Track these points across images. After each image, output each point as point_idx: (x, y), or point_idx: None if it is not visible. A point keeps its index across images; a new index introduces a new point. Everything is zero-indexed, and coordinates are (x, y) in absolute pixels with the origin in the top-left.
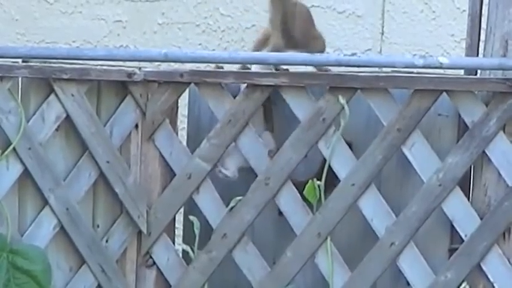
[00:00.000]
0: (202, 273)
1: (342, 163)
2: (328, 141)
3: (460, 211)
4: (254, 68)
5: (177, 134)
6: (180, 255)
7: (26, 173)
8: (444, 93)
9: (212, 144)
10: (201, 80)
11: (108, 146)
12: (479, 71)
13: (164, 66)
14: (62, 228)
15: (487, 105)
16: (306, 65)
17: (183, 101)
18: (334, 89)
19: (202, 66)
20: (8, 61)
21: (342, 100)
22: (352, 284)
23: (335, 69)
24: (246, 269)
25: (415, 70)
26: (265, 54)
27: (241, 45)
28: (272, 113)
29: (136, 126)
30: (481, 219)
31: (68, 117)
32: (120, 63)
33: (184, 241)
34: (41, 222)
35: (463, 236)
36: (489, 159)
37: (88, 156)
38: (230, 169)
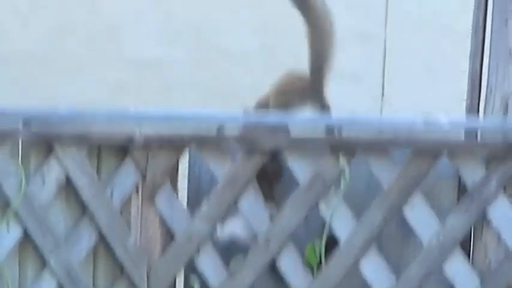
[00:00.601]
0: None
1: (343, 224)
2: (328, 202)
3: (460, 273)
4: None
5: (177, 195)
6: None
7: (27, 235)
8: (444, 155)
9: (213, 205)
10: (202, 142)
11: (108, 208)
12: (479, 132)
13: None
14: None
15: (487, 166)
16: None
17: (184, 161)
18: (335, 150)
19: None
20: (8, 122)
21: (343, 161)
22: None
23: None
24: None
25: (415, 131)
26: (267, 116)
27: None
28: (272, 182)
29: (137, 188)
30: (482, 281)
31: (68, 180)
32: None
33: None
34: (41, 284)
35: None
36: (489, 221)
37: (88, 218)
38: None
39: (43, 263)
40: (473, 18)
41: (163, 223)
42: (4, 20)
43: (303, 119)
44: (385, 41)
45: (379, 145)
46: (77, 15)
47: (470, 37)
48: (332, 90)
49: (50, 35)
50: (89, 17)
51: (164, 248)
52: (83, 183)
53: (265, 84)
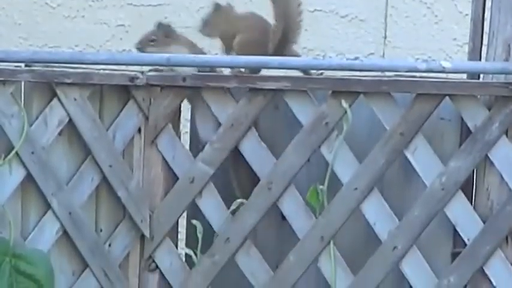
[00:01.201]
0: (205, 277)
1: (345, 167)
2: (330, 145)
3: (462, 215)
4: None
5: (180, 138)
6: (183, 259)
7: (29, 178)
8: (447, 98)
9: (215, 149)
10: (204, 84)
11: (110, 151)
12: (481, 76)
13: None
14: (65, 232)
15: (489, 110)
16: (308, 69)
17: (186, 105)
18: (336, 93)
19: None
20: (10, 65)
21: (345, 104)
22: None
23: (338, 74)
24: (249, 273)
25: (417, 74)
26: (267, 58)
27: None
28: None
29: (139, 130)
30: (484, 223)
31: (70, 122)
32: (123, 67)
33: (187, 245)
34: (44, 226)
35: (465, 240)
36: (492, 163)
37: (91, 160)
38: None
39: (45, 205)
40: None
41: (165, 166)
42: None
43: (304, 62)
44: None
45: (382, 88)
46: None
47: None
48: (335, 34)
49: None
50: None
51: (167, 191)
52: (85, 125)
53: None
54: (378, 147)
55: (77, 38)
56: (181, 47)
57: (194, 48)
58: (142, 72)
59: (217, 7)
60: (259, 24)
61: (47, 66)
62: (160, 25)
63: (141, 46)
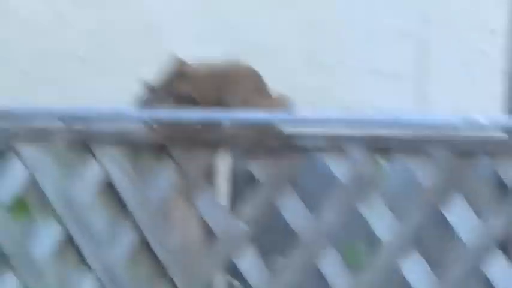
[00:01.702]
0: None
1: (382, 224)
2: (367, 202)
3: (501, 273)
4: None
5: (217, 195)
6: None
7: (67, 236)
8: (485, 154)
9: (253, 206)
10: (242, 141)
11: (148, 208)
12: None
13: None
14: None
15: None
16: (346, 125)
17: (225, 161)
18: (373, 150)
19: None
20: (48, 123)
21: (382, 161)
22: None
23: (375, 130)
24: None
25: (455, 131)
26: (304, 114)
27: None
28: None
29: (176, 187)
30: None
31: (108, 179)
32: None
33: None
34: (82, 284)
35: None
36: None
37: (128, 218)
38: None
39: (84, 263)
40: (509, 17)
41: (203, 223)
42: (44, 19)
43: (339, 118)
44: (424, 39)
45: (419, 145)
46: (116, 14)
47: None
48: (372, 89)
49: (89, 34)
50: (128, 16)
51: (204, 247)
52: (123, 182)
53: (304, 83)
54: (415, 204)
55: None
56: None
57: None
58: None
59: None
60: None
61: (85, 124)
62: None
63: (139, 106)
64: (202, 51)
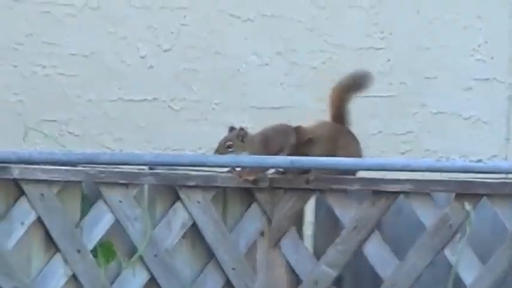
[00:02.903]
0: None
1: (468, 269)
2: (454, 247)
3: None
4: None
5: (303, 240)
6: None
7: (152, 281)
8: None
9: (338, 251)
10: (327, 187)
11: (234, 253)
12: None
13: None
14: None
15: None
16: (431, 171)
17: (309, 207)
18: (460, 196)
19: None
20: (134, 168)
21: (468, 206)
22: None
23: (461, 176)
24: None
25: None
26: (391, 160)
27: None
28: None
29: (262, 233)
30: None
31: (194, 224)
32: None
33: None
34: None
35: None
36: None
37: (214, 263)
38: None
39: None
40: None
41: (289, 268)
42: (130, 66)
43: (427, 164)
44: (509, 86)
45: (505, 190)
46: (201, 62)
47: None
48: (458, 135)
49: (175, 81)
50: (213, 63)
51: None
52: (209, 227)
53: (393, 131)
54: (501, 250)
55: (200, 140)
56: (255, 149)
57: (266, 149)
58: (264, 175)
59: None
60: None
61: (170, 169)
62: (233, 129)
63: (220, 153)
64: (289, 99)
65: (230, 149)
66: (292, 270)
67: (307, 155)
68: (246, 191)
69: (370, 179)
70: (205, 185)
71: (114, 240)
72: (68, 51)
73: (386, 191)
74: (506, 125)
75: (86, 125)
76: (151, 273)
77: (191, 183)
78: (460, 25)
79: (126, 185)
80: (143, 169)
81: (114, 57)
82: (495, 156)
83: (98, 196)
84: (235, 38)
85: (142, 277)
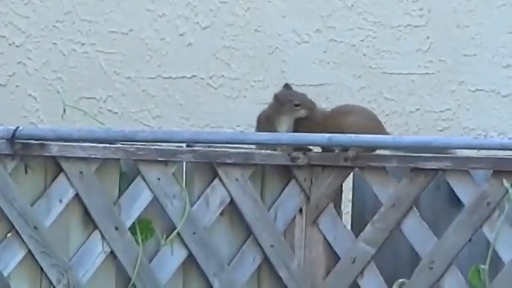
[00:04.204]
0: None
1: (507, 247)
2: (492, 225)
3: None
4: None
5: (341, 218)
6: None
7: (190, 258)
8: None
9: (376, 228)
10: (365, 164)
11: (272, 230)
12: None
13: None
14: None
15: None
16: (469, 148)
17: (347, 184)
18: (498, 173)
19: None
20: (172, 145)
21: (506, 184)
22: None
23: (499, 153)
24: None
25: None
26: (430, 138)
27: (405, 129)
28: None
29: (301, 210)
30: None
31: (232, 202)
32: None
33: None
34: None
35: None
36: None
37: (252, 240)
38: None
39: (207, 285)
40: None
41: (327, 246)
42: (169, 44)
43: (465, 141)
44: None
45: None
46: (240, 39)
47: None
48: (497, 113)
49: (214, 59)
50: (252, 40)
51: (328, 270)
52: (247, 205)
53: (431, 108)
54: None
55: (239, 118)
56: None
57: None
58: (304, 152)
59: None
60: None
61: (209, 147)
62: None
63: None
64: (327, 77)
65: (297, 107)
66: (330, 248)
67: None
68: (284, 168)
69: (408, 156)
70: (243, 163)
71: (152, 217)
72: (106, 29)
73: (424, 168)
74: None
75: (124, 102)
76: (189, 251)
77: (229, 161)
78: (499, 3)
79: (164, 163)
80: (181, 146)
81: (153, 34)
82: None
83: (136, 173)
84: (274, 15)
85: (181, 255)
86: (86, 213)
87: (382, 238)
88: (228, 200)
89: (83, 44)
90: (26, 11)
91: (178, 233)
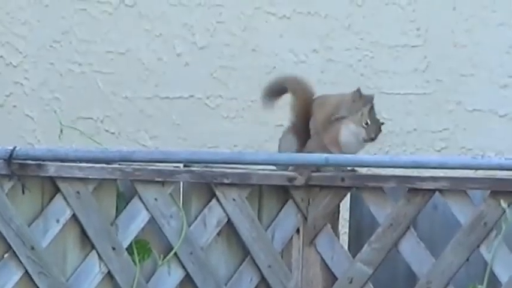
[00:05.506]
0: None
1: (504, 267)
2: (489, 245)
3: None
4: None
5: (338, 238)
6: None
7: (188, 278)
8: None
9: (374, 249)
10: (363, 184)
11: (269, 251)
12: None
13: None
14: None
15: None
16: (467, 168)
17: (345, 204)
18: (495, 193)
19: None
20: (169, 166)
21: (504, 204)
22: None
23: (497, 173)
24: None
25: None
26: (426, 158)
27: (402, 149)
28: None
29: (298, 230)
30: None
31: (229, 222)
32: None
33: None
34: None
35: None
36: None
37: (249, 260)
38: None
39: None
40: None
41: (324, 266)
42: (166, 64)
43: (461, 161)
44: None
45: None
46: (237, 59)
47: None
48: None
49: (211, 79)
50: (249, 60)
51: None
52: (244, 225)
53: (428, 128)
54: None
55: (236, 138)
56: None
57: None
58: (301, 173)
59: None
60: None
61: (206, 167)
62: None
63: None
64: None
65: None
66: (327, 268)
67: None
68: (281, 189)
69: (405, 176)
70: (240, 183)
71: (149, 237)
72: (104, 49)
73: (422, 189)
74: None
75: (121, 122)
76: (186, 271)
77: (227, 181)
78: (496, 22)
79: (161, 183)
80: (178, 166)
81: (150, 54)
82: None
83: (134, 194)
84: (271, 35)
85: (178, 274)
86: (83, 233)
87: (380, 258)
88: (225, 220)
89: (80, 64)
90: (23, 31)
91: (175, 253)
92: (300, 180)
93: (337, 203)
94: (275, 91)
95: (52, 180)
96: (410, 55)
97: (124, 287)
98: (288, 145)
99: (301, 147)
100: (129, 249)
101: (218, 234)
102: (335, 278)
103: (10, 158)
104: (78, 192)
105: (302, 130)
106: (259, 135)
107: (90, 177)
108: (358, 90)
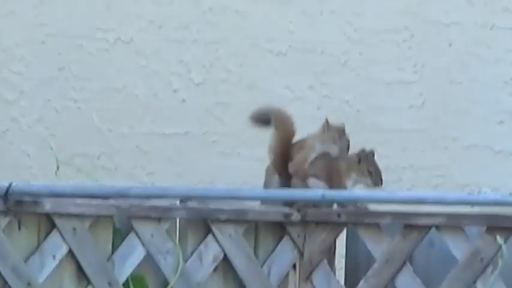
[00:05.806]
0: None
1: None
2: (486, 280)
3: None
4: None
5: (334, 273)
6: None
7: None
8: None
9: (370, 284)
10: (359, 220)
11: (266, 286)
12: None
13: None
14: None
15: None
16: (463, 204)
17: (341, 240)
18: (491, 229)
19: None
20: (166, 202)
21: (500, 240)
22: None
23: (493, 209)
24: None
25: None
26: (423, 193)
27: (398, 185)
28: None
29: (294, 266)
30: None
31: (225, 258)
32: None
33: None
34: None
35: None
36: None
37: None
38: None
39: None
40: None
41: None
42: (162, 100)
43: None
44: None
45: None
46: (233, 95)
47: None
48: (490, 168)
49: (207, 115)
50: (245, 96)
51: None
52: (240, 261)
53: (424, 164)
54: None
55: (232, 174)
56: None
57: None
58: (298, 210)
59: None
60: None
61: (202, 202)
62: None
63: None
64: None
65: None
66: None
67: None
68: (277, 225)
69: (401, 212)
70: (237, 219)
71: (145, 273)
72: (100, 85)
73: (418, 225)
74: None
75: (118, 158)
76: None
77: (223, 217)
78: (492, 58)
79: (157, 219)
80: (175, 203)
81: (146, 90)
82: None
83: (130, 230)
84: (267, 71)
85: None
86: (80, 269)
87: None
88: (222, 256)
89: (76, 101)
90: (19, 67)
91: None
92: (296, 216)
93: (333, 239)
94: (259, 120)
95: (48, 216)
96: (407, 91)
97: None
98: (272, 183)
99: (284, 183)
100: (126, 285)
101: (214, 270)
102: None
103: (6, 194)
104: (74, 229)
105: (282, 168)
106: (255, 171)
107: (86, 213)
108: (326, 121)
